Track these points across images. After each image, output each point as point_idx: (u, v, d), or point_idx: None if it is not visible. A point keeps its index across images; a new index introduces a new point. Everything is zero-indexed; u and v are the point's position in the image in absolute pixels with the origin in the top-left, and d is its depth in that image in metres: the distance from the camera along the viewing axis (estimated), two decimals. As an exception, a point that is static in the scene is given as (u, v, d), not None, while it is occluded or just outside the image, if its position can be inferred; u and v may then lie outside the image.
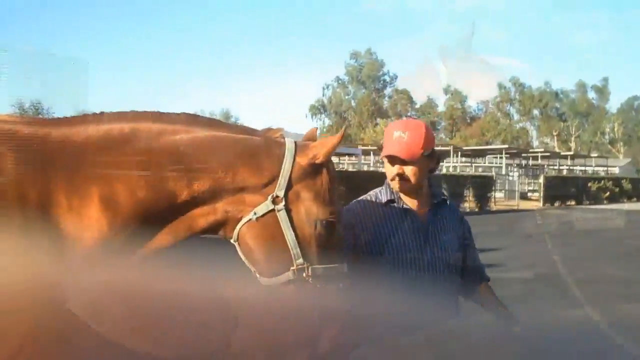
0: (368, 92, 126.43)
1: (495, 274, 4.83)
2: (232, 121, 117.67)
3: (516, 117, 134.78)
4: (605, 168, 79.95)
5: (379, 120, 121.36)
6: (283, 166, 2.67)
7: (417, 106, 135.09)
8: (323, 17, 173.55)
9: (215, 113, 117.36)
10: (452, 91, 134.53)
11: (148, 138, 2.55)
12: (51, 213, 2.35)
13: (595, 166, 79.00)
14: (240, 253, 2.71)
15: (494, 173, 46.76)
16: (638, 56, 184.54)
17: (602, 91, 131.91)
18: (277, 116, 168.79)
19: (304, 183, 2.70)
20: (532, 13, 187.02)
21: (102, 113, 2.58)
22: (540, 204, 44.34)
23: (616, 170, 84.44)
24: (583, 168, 75.03)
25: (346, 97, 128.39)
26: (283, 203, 2.64)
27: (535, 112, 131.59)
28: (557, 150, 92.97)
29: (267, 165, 2.68)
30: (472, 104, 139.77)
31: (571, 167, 73.63)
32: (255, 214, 2.62)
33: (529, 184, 56.88)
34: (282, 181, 2.66)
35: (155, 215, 2.54)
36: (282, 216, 2.63)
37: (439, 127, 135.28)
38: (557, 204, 45.64)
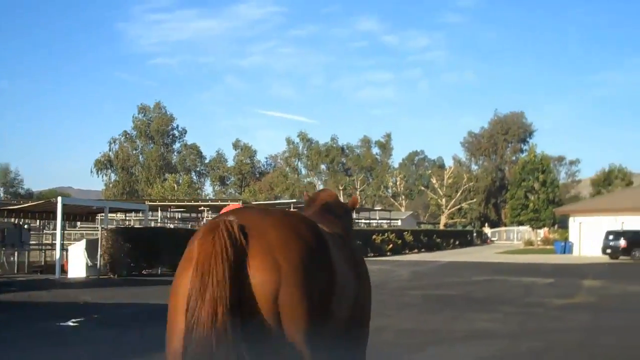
0: (157, 146, 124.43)
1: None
2: (12, 176, 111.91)
3: (304, 171, 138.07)
4: (389, 221, 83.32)
5: (167, 175, 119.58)
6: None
7: (207, 161, 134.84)
8: (110, 70, 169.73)
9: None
10: (241, 146, 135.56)
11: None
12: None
13: (380, 219, 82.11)
14: None
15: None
16: (418, 113, 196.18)
17: (385, 147, 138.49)
18: (61, 171, 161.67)
19: None
20: (318, 71, 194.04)
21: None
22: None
23: (399, 223, 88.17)
24: (368, 221, 77.71)
25: (134, 151, 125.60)
26: None
27: (323, 166, 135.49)
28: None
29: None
30: (261, 158, 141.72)
31: (356, 220, 75.89)
32: None
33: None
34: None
35: None
36: None
37: (228, 182, 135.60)
38: (344, 256, 46.51)
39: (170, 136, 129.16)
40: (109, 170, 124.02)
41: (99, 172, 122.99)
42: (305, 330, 3.41)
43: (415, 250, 63.96)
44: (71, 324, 15.20)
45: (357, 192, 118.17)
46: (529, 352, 11.93)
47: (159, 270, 31.90)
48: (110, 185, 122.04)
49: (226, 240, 3.32)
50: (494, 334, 14.06)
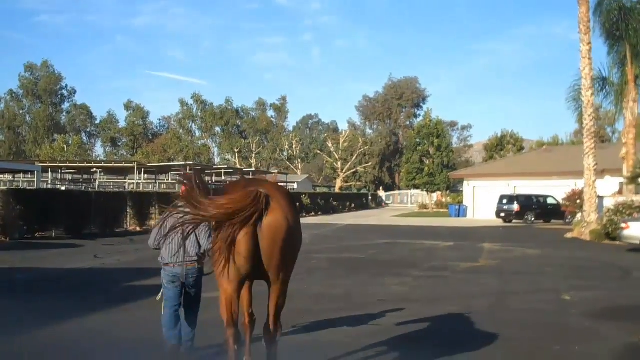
0: (45, 106, 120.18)
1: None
2: None
3: (198, 133, 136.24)
4: (286, 184, 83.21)
5: (56, 136, 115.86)
6: None
7: (98, 122, 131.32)
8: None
9: None
10: (133, 107, 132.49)
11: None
12: None
13: (277, 182, 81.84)
14: None
15: (177, 189, 46.39)
16: (312, 77, 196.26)
17: (281, 110, 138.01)
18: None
19: None
20: (209, 34, 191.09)
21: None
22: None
23: (295, 186, 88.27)
24: (265, 184, 77.37)
25: (21, 111, 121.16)
26: None
27: (217, 129, 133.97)
28: (238, 166, 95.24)
29: None
30: (154, 120, 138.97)
31: (254, 183, 75.36)
32: None
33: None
34: None
35: None
36: None
37: (119, 144, 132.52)
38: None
39: (59, 96, 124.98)
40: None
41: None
42: (295, 236, 6.84)
43: (313, 213, 64.24)
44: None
45: (253, 155, 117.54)
46: (445, 316, 11.93)
47: (53, 233, 30.74)
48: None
49: (260, 201, 6.27)
50: (408, 298, 14.06)
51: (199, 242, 8.55)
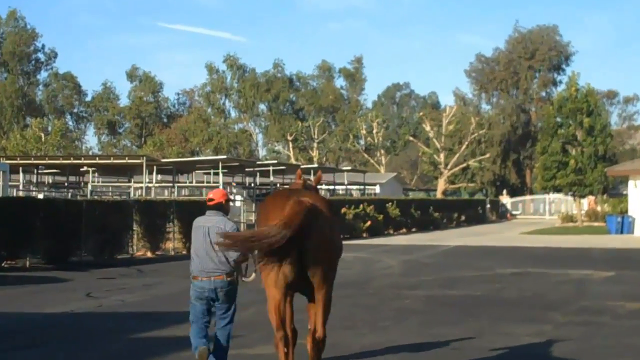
0: (12, 77, 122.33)
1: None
2: None
3: (234, 113, 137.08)
4: (363, 187, 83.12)
5: (29, 119, 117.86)
6: None
7: (89, 99, 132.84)
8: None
9: None
10: (140, 76, 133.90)
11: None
12: None
13: (349, 184, 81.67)
14: None
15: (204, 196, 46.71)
16: (399, 29, 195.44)
17: (355, 77, 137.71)
18: None
19: None
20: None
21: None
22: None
23: (377, 190, 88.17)
24: (332, 187, 77.26)
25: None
26: None
27: (262, 106, 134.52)
28: (293, 161, 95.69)
29: None
30: (170, 94, 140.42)
31: (318, 187, 75.48)
32: None
33: (257, 212, 57.48)
34: None
35: None
36: None
37: (121, 130, 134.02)
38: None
39: (33, 61, 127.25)
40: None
41: None
42: (337, 244, 10.89)
43: (404, 230, 64.23)
44: None
45: (315, 144, 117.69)
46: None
47: (27, 262, 31.36)
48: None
49: (306, 209, 9.79)
50: (548, 356, 13.94)
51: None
